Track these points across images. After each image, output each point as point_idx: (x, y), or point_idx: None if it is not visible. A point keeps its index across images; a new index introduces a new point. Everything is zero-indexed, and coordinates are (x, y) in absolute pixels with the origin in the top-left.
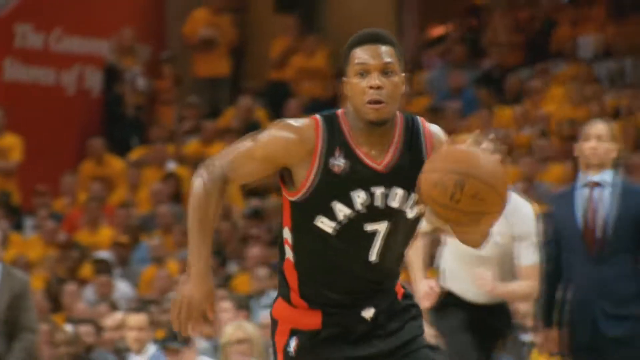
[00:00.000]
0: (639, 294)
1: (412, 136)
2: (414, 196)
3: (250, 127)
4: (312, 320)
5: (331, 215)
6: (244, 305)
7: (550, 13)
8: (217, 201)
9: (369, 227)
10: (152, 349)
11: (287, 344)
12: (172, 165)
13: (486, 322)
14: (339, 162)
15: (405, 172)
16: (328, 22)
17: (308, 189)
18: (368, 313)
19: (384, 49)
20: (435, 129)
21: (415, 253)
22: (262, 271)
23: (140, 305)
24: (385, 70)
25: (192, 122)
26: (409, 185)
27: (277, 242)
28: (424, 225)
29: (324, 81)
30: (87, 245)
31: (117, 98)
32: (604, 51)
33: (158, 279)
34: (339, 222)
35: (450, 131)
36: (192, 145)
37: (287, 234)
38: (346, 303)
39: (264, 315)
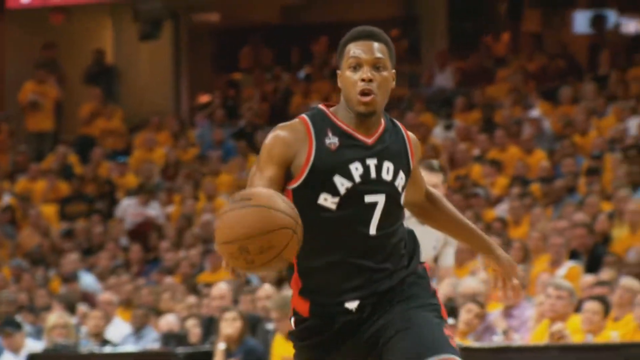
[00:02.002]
0: None
1: (395, 130)
2: (402, 176)
3: (65, 169)
4: (303, 307)
5: (333, 190)
6: (62, 300)
7: (288, 86)
8: None
9: (368, 198)
10: None
11: (290, 319)
12: (7, 197)
13: None
14: (333, 140)
15: (392, 152)
16: (122, 93)
17: (310, 169)
18: (352, 304)
19: (376, 45)
20: (409, 132)
21: None
22: (73, 256)
23: None
24: (376, 65)
25: (22, 165)
26: (397, 165)
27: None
28: None
29: (120, 136)
30: None
31: None
32: None
33: None
34: (341, 196)
35: (215, 173)
36: (21, 183)
37: None
38: (335, 290)
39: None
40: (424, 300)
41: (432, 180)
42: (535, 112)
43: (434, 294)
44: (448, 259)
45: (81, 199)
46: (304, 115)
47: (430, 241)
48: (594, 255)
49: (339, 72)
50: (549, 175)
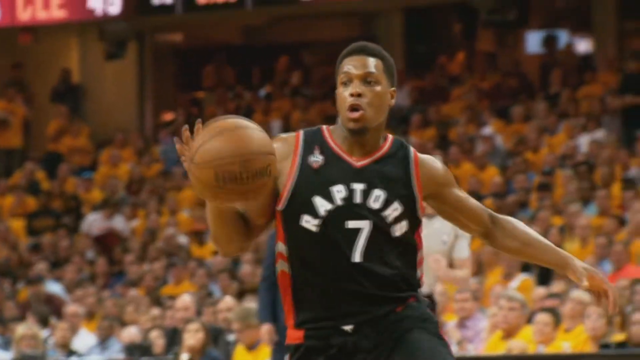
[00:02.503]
0: None
1: (400, 154)
2: (398, 207)
3: (32, 185)
4: (298, 335)
5: (313, 212)
6: (36, 313)
7: (250, 104)
8: None
9: (351, 224)
10: None
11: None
12: None
13: None
14: (317, 159)
15: (387, 180)
16: (88, 111)
17: (290, 187)
18: (348, 326)
19: (370, 60)
20: (424, 156)
21: None
22: (41, 265)
23: None
24: (367, 80)
25: None
26: (392, 194)
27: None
28: None
29: (86, 153)
30: None
31: None
32: (288, 131)
33: None
34: (321, 218)
35: (178, 188)
36: None
37: (281, 247)
38: (333, 315)
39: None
40: (432, 333)
41: None
42: (488, 130)
43: (439, 330)
44: (463, 251)
45: (48, 214)
46: (300, 130)
47: (440, 235)
48: (545, 268)
49: (336, 91)
50: (501, 190)
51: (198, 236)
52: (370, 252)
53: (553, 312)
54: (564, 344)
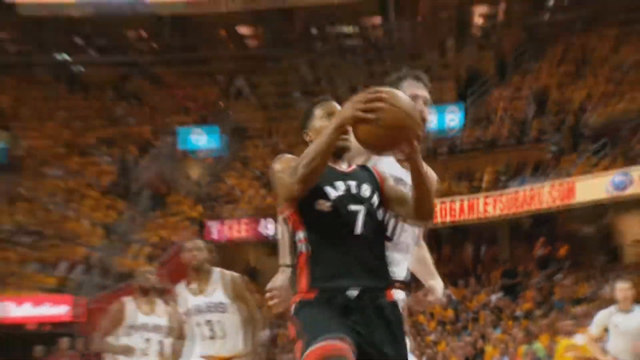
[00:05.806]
0: None
1: (364, 167)
2: (377, 196)
3: None
4: (309, 295)
5: (325, 196)
6: None
7: None
8: None
9: (352, 207)
10: None
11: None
12: None
13: None
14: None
15: (364, 180)
16: None
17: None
18: (353, 292)
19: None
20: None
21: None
22: None
23: None
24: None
25: None
26: (372, 188)
27: None
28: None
29: None
30: None
31: None
32: None
33: None
34: (332, 200)
35: None
36: None
37: (300, 234)
38: (341, 284)
39: None
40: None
41: None
42: None
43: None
44: None
45: None
46: None
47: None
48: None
49: (305, 131)
50: None
51: None
52: (367, 228)
53: None
54: None
